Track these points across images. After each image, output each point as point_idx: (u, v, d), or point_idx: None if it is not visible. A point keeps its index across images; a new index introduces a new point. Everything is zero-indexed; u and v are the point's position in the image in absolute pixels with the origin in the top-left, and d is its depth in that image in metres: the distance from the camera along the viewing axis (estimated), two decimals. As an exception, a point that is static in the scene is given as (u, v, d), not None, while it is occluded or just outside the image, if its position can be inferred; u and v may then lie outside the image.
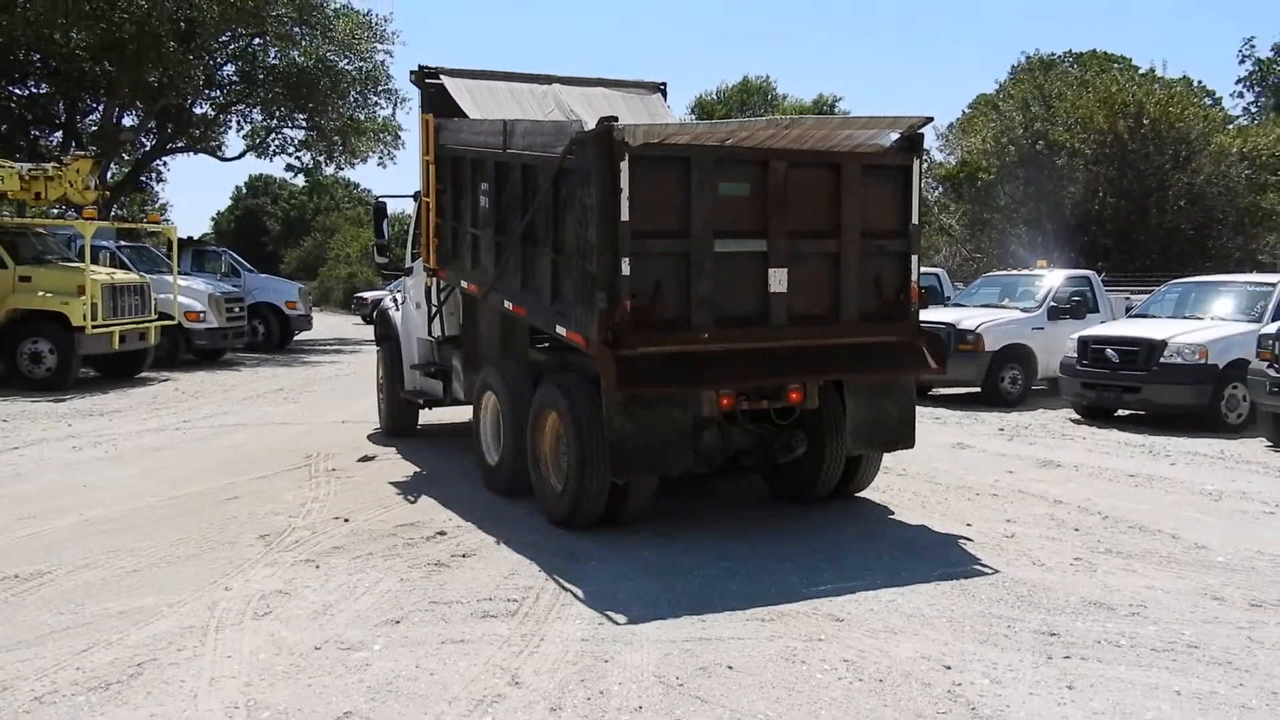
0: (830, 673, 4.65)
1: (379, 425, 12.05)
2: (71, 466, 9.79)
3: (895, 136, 7.50)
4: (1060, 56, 42.94)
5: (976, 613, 5.49)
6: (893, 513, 7.87)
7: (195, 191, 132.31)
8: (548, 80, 10.54)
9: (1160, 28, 72.72)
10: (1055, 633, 5.18)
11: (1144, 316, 14.02)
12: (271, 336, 23.68)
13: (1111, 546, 6.87)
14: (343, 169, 32.12)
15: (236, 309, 20.55)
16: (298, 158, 32.21)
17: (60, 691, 4.42)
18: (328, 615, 5.42)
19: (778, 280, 7.14)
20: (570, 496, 7.14)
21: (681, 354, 6.85)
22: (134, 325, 16.49)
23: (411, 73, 10.11)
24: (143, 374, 17.54)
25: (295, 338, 25.46)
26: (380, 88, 29.42)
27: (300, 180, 39.40)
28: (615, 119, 6.65)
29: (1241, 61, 47.75)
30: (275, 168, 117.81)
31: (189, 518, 7.67)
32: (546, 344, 9.99)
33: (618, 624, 5.31)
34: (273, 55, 28.63)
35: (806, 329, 7.26)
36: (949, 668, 4.71)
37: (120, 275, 16.75)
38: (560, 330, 7.25)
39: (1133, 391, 12.56)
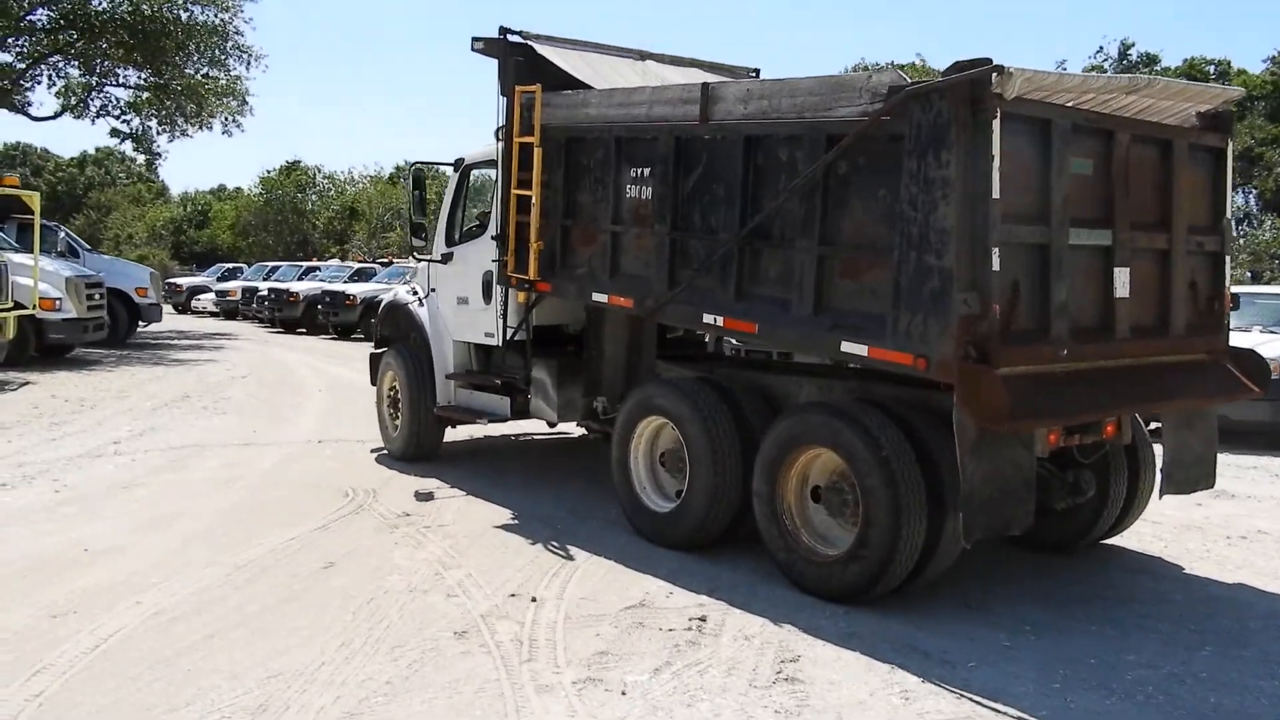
0: None
1: (384, 447, 9.72)
2: (26, 517, 7.07)
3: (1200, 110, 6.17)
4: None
5: None
6: (1182, 568, 6.52)
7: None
8: (641, 55, 8.80)
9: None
10: None
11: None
12: (119, 328, 19.96)
13: None
14: (179, 136, 27.88)
15: (97, 296, 17.02)
16: (125, 121, 27.84)
17: None
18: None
19: (1122, 282, 5.64)
20: (870, 564, 5.33)
21: (1036, 376, 5.23)
22: (-11, 316, 13.09)
23: (482, 40, 7.87)
24: (-9, 376, 14.08)
25: (140, 329, 21.82)
26: (229, 44, 25.80)
27: (127, 147, 34.25)
28: (989, 60, 4.92)
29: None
30: (98, 132, 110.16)
31: (301, 603, 5.37)
32: (666, 356, 8.04)
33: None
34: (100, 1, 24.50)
35: (1144, 344, 5.81)
36: None
37: (-28, 253, 13.27)
38: (855, 349, 5.42)
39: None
